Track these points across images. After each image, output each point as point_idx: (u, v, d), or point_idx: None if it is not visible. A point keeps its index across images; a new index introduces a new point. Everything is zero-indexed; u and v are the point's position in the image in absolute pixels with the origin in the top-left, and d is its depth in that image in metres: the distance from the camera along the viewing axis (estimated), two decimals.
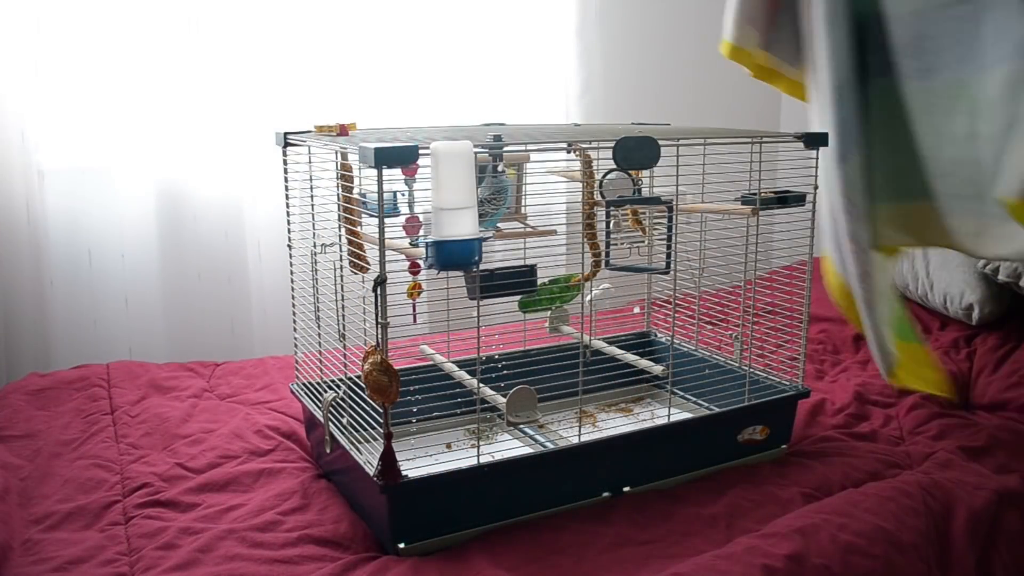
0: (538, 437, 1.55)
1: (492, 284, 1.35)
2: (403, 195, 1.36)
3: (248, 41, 2.27)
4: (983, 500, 1.40)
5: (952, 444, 1.60)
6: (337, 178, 1.40)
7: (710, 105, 2.86)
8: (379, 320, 1.21)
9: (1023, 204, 1.42)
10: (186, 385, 1.92)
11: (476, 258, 1.18)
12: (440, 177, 1.16)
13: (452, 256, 1.17)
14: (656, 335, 1.93)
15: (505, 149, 1.37)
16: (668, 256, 1.52)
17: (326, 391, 1.43)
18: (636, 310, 2.02)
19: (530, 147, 1.47)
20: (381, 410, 1.23)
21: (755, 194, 1.52)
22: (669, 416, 1.51)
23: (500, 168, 1.42)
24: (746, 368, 1.58)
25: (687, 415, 1.60)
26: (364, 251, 1.34)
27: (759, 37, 1.85)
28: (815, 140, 1.54)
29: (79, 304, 2.27)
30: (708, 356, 1.71)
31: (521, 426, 1.39)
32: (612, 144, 1.35)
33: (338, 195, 1.41)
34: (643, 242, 1.74)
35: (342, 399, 1.38)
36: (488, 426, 1.63)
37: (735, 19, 1.84)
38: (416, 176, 1.21)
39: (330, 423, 1.39)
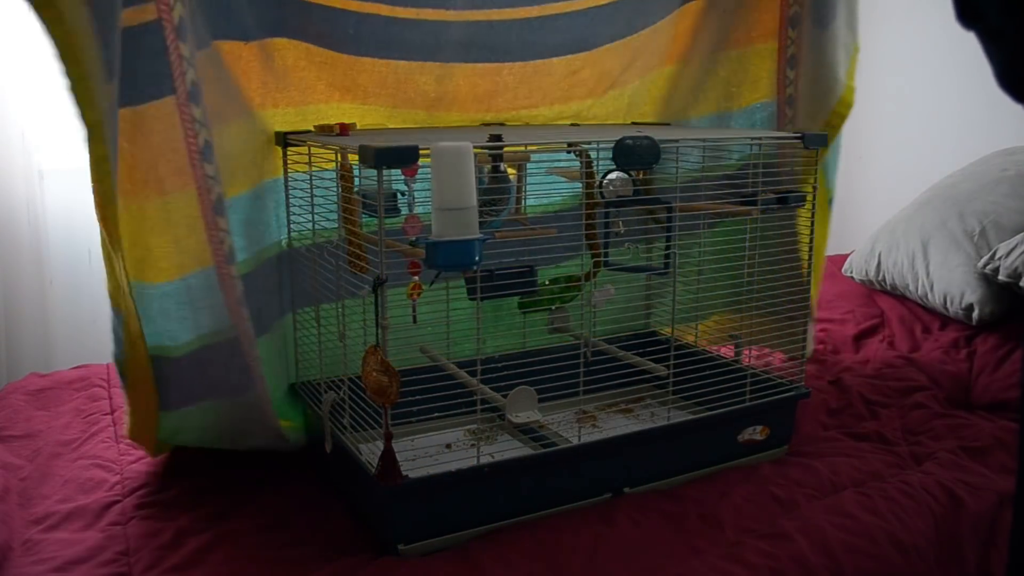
0: (538, 438, 1.55)
1: (492, 284, 1.34)
2: (403, 195, 1.36)
3: None
4: (984, 500, 1.40)
5: (953, 444, 1.59)
6: (337, 177, 1.40)
7: None
8: (379, 321, 1.21)
9: None
10: None
11: (477, 258, 1.18)
12: (440, 177, 1.15)
13: (452, 257, 1.17)
14: (656, 335, 1.93)
15: (505, 149, 1.37)
16: (667, 256, 1.52)
17: (326, 391, 1.43)
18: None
19: (530, 147, 1.47)
20: (381, 410, 1.23)
21: (756, 194, 1.52)
22: (669, 416, 1.51)
23: (502, 168, 1.41)
24: (746, 368, 1.58)
25: (687, 415, 1.60)
26: (364, 251, 1.34)
27: None
28: (815, 140, 1.54)
29: (79, 304, 2.27)
30: (708, 356, 1.71)
31: (521, 426, 1.39)
32: (612, 144, 1.35)
33: (338, 194, 1.40)
34: (643, 242, 1.74)
35: (343, 399, 1.38)
36: (488, 426, 1.63)
37: None
38: (416, 176, 1.21)
39: (330, 423, 1.39)
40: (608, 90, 1.84)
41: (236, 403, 1.41)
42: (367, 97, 1.62)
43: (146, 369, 1.36)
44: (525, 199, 1.62)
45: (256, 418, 1.44)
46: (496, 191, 1.39)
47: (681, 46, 1.89)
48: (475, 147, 1.19)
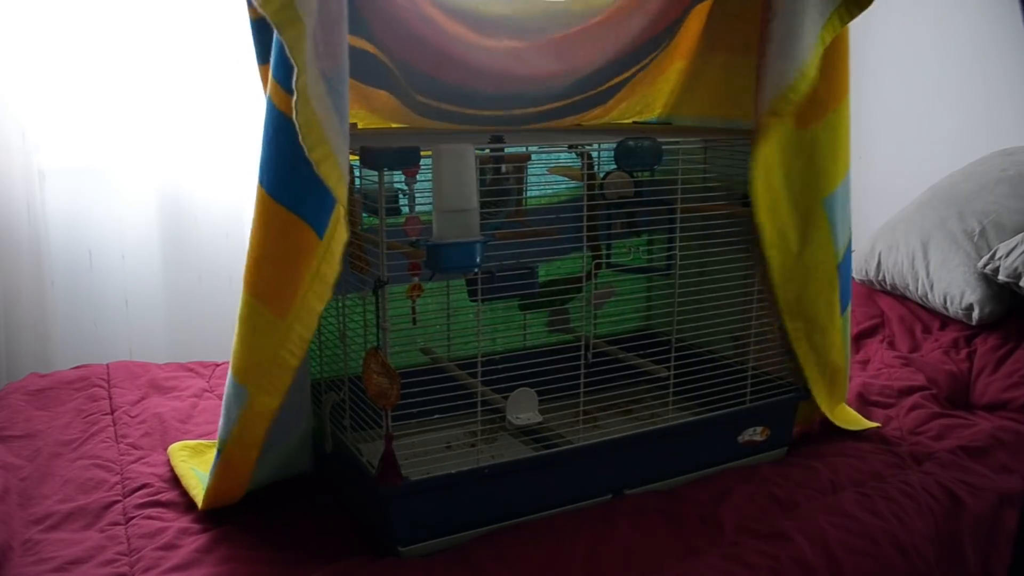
0: (539, 438, 1.55)
1: (493, 286, 1.34)
2: (404, 195, 1.36)
3: (248, 42, 2.26)
4: (984, 501, 1.40)
5: (953, 444, 1.60)
6: None
7: None
8: (380, 322, 1.21)
9: None
10: (186, 385, 1.92)
11: (478, 260, 1.18)
12: (441, 179, 1.15)
13: (454, 259, 1.17)
14: (657, 335, 1.93)
15: (506, 149, 1.37)
16: (669, 256, 1.51)
17: (326, 391, 1.43)
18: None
19: (531, 147, 1.47)
20: (382, 412, 1.23)
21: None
22: (670, 417, 1.51)
23: (503, 169, 1.41)
24: (747, 369, 1.58)
25: (688, 416, 1.60)
26: (364, 251, 1.34)
27: None
28: None
29: (79, 304, 2.27)
30: (708, 356, 1.71)
31: (521, 427, 1.40)
32: (613, 144, 1.35)
33: None
34: (643, 242, 1.74)
35: (343, 400, 1.38)
36: (488, 427, 1.63)
37: None
38: (417, 177, 1.20)
39: (330, 423, 1.39)
40: (613, 107, 1.85)
41: (292, 438, 1.40)
42: (374, 112, 1.63)
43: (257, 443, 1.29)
44: (526, 197, 1.62)
45: (298, 446, 1.43)
46: (498, 192, 1.39)
47: (689, 43, 1.83)
48: (476, 148, 1.19)
